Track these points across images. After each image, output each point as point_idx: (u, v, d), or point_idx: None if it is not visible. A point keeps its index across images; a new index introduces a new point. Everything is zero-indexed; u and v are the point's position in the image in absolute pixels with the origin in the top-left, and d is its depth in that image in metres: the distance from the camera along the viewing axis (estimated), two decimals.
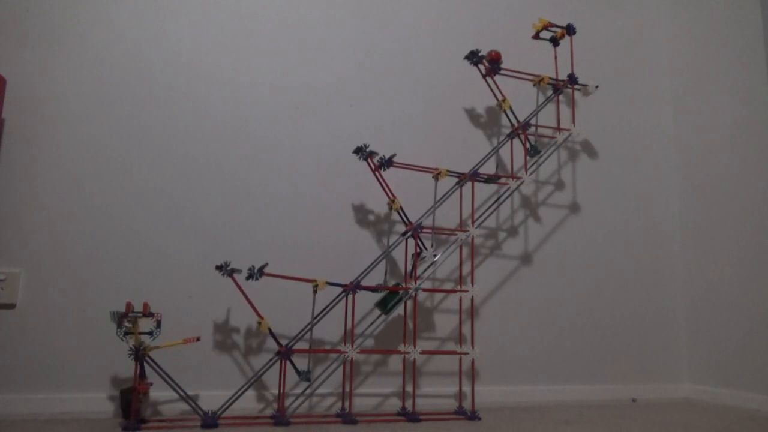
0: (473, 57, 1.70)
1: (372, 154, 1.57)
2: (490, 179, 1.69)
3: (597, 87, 1.90)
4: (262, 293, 1.44)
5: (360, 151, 1.56)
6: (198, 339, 1.39)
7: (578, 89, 1.91)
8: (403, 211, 1.59)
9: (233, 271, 1.40)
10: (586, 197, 1.99)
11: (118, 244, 1.52)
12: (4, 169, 1.48)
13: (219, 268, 1.40)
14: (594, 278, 1.95)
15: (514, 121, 1.76)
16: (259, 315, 1.39)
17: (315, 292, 1.42)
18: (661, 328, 2.00)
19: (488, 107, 1.89)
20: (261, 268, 1.40)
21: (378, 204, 1.72)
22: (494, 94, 1.76)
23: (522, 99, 1.82)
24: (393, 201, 1.59)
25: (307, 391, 1.56)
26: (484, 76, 1.75)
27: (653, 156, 2.11)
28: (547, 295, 1.88)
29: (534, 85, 1.84)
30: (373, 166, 1.57)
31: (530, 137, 1.81)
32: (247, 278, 1.39)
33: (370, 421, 1.43)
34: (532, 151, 1.75)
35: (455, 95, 1.87)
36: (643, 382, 1.93)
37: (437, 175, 1.62)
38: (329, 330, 1.59)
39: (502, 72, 1.74)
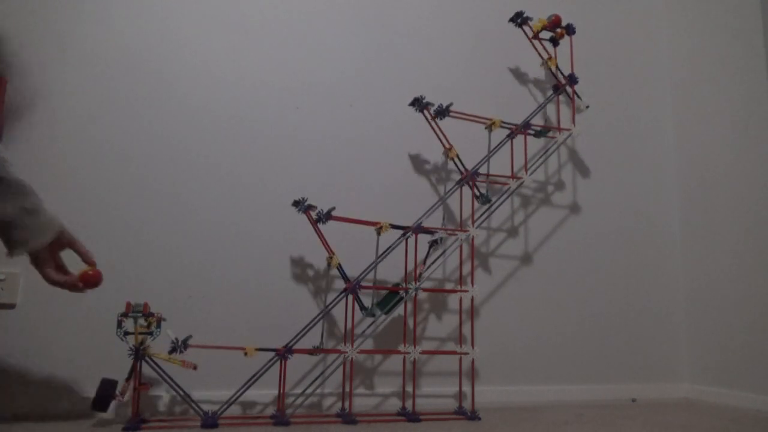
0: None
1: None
2: (490, 179, 1.69)
3: (588, 107, 1.91)
4: (263, 292, 1.44)
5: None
6: (195, 368, 1.35)
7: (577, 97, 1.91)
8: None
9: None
10: (586, 197, 1.99)
11: (118, 243, 1.52)
12: None
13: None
14: (594, 278, 1.95)
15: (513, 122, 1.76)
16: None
17: (378, 234, 1.42)
18: (661, 328, 2.00)
19: (488, 107, 1.88)
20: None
21: (378, 204, 1.72)
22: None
23: (523, 99, 1.82)
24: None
25: (308, 391, 1.56)
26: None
27: (653, 156, 2.11)
28: (547, 295, 1.88)
29: (486, 128, 1.73)
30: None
31: (530, 135, 1.80)
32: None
33: (370, 421, 1.43)
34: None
35: (455, 95, 1.87)
36: (643, 382, 1.93)
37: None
38: (330, 329, 1.59)
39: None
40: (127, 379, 1.30)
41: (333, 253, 1.50)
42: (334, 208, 1.50)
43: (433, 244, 1.57)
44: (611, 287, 1.97)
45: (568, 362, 1.87)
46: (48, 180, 1.50)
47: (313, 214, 1.49)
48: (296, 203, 1.49)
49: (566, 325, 1.89)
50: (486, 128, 1.71)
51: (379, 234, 1.51)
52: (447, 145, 1.66)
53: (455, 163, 1.69)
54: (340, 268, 1.50)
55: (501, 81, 1.93)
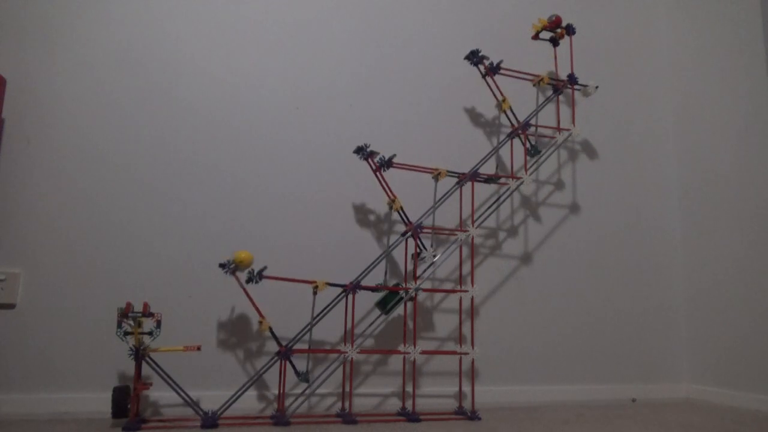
0: (473, 57, 1.70)
1: (372, 154, 1.56)
2: (490, 179, 1.69)
3: (597, 87, 1.90)
4: (262, 293, 1.43)
5: (360, 150, 1.56)
6: (199, 348, 1.37)
7: (578, 89, 1.91)
8: (403, 211, 1.59)
9: (236, 269, 1.40)
10: (586, 197, 1.99)
11: (118, 243, 1.52)
12: (4, 169, 1.48)
13: (222, 266, 1.40)
14: (594, 278, 1.95)
15: (514, 121, 1.76)
16: (260, 314, 1.40)
17: (315, 293, 1.42)
18: (661, 327, 2.00)
19: (488, 107, 1.89)
20: (260, 272, 1.40)
21: (378, 204, 1.72)
22: (494, 94, 1.76)
23: (522, 99, 1.82)
24: (393, 201, 1.59)
25: (307, 392, 1.56)
26: (483, 76, 1.75)
27: (653, 156, 2.11)
28: (547, 295, 1.88)
29: (534, 85, 1.84)
30: (373, 166, 1.57)
31: (530, 137, 1.81)
32: (247, 282, 1.40)
33: (370, 421, 1.43)
34: (533, 151, 1.75)
35: (455, 95, 1.87)
36: (643, 382, 1.93)
37: (437, 175, 1.62)
38: (330, 330, 1.59)
39: (501, 72, 1.74)
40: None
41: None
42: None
43: (420, 256, 1.57)
44: (611, 287, 1.97)
45: (568, 362, 1.87)
46: (48, 180, 1.50)
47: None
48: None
49: (566, 325, 1.89)
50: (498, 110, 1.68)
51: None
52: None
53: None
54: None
55: (501, 81, 1.92)
